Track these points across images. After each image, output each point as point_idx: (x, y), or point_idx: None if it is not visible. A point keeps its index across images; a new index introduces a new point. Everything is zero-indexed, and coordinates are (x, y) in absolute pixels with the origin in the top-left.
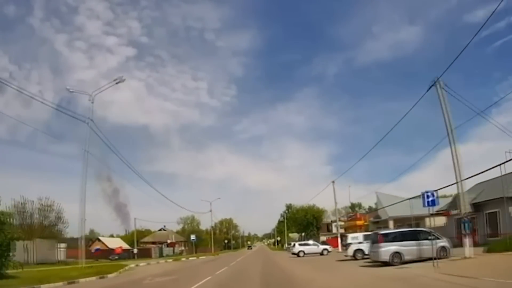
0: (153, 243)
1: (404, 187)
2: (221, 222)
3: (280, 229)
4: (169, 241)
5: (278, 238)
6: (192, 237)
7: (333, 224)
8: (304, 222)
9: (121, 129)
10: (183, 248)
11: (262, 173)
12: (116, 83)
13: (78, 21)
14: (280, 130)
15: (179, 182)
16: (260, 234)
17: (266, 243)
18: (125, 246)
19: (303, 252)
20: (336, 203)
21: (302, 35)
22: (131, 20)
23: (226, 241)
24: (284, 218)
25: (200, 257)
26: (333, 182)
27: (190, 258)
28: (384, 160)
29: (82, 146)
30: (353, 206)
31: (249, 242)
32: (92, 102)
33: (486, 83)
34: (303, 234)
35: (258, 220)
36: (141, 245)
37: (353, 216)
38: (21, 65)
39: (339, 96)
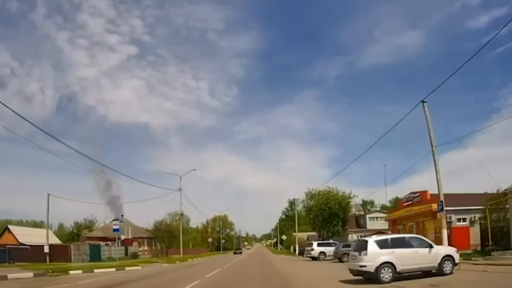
0: (102, 238)
1: (403, 190)
2: (213, 219)
3: (281, 228)
4: (123, 237)
5: (284, 237)
6: (115, 225)
7: (367, 217)
8: (324, 213)
9: (121, 127)
10: (146, 247)
11: (261, 174)
12: None
13: (80, 18)
14: (279, 132)
15: (177, 181)
16: (258, 235)
17: (264, 244)
18: (51, 241)
19: (393, 267)
20: (433, 146)
21: (303, 37)
22: (133, 19)
23: (210, 239)
24: (287, 213)
25: (141, 266)
26: (423, 102)
27: (104, 270)
28: (380, 163)
29: None
30: (364, 204)
31: (246, 243)
32: None
33: (486, 88)
34: (322, 231)
35: (256, 221)
36: (87, 240)
37: (418, 198)
38: (23, 61)
39: (339, 99)
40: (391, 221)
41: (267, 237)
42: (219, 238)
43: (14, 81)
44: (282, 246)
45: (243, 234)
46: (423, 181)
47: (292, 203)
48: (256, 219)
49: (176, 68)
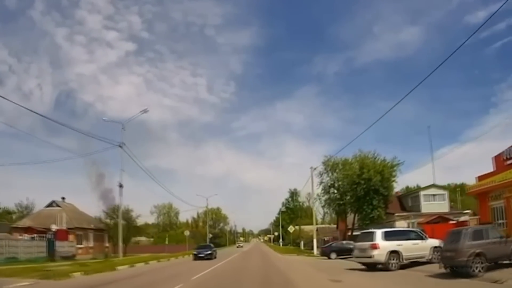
0: (28, 229)
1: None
2: (205, 212)
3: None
4: (54, 228)
5: (290, 228)
6: None
7: (421, 194)
8: (358, 188)
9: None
10: (91, 243)
11: (260, 170)
12: None
13: (78, 14)
14: (278, 127)
15: (177, 177)
16: (256, 231)
17: (262, 240)
18: None
19: None
20: None
21: (303, 33)
22: (132, 15)
23: (187, 233)
24: (288, 205)
25: None
26: None
27: None
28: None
29: None
30: None
31: (242, 238)
32: None
33: (485, 83)
34: (354, 217)
35: (254, 217)
36: (15, 232)
37: None
38: (21, 58)
39: (338, 95)
40: (480, 195)
41: (265, 232)
42: (213, 233)
43: (12, 78)
44: (283, 241)
45: (239, 230)
46: (419, 178)
47: (293, 194)
48: (254, 215)
49: (174, 64)
